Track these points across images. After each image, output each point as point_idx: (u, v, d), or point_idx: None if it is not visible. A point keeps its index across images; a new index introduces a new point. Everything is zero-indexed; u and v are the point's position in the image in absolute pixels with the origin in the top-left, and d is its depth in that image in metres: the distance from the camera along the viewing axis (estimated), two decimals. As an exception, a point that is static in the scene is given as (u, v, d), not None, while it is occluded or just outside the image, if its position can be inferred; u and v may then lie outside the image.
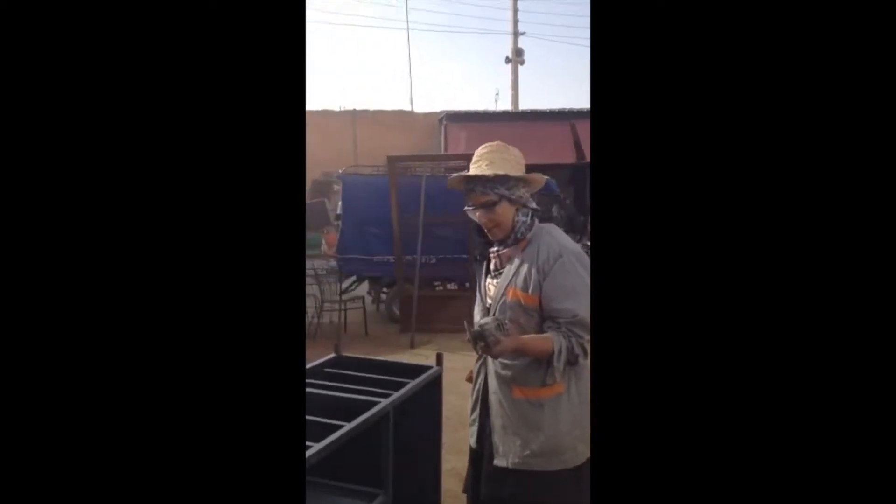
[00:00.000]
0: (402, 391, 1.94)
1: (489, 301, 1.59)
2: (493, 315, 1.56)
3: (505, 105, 14.44)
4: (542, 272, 1.46)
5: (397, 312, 5.99)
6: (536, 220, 1.58)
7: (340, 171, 7.27)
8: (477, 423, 1.69)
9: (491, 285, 1.60)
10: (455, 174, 1.63)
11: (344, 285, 6.20)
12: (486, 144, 1.59)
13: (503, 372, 1.56)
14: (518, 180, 1.55)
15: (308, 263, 6.59)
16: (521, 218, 1.54)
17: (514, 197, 1.53)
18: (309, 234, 9.65)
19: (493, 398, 1.59)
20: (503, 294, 1.54)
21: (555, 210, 6.30)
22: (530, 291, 1.48)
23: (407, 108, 14.66)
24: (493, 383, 1.59)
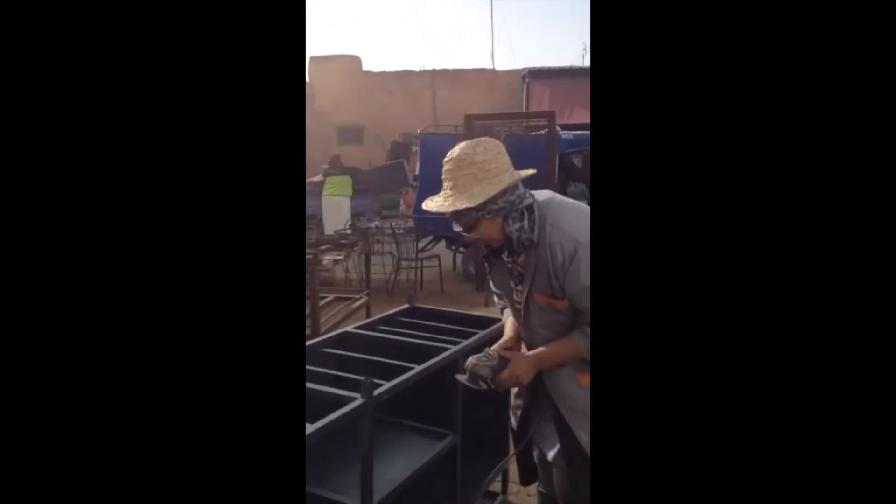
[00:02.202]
0: (471, 339, 1.98)
1: (518, 305, 1.51)
2: (523, 316, 1.50)
3: (591, 61, 13.76)
4: (562, 274, 1.35)
5: (473, 271, 6.06)
6: (536, 215, 1.40)
7: (419, 132, 7.31)
8: (521, 409, 1.66)
9: (516, 291, 1.49)
10: (427, 202, 1.43)
11: (421, 245, 6.33)
12: (449, 157, 1.40)
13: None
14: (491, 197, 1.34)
15: (386, 223, 6.78)
16: (514, 226, 1.37)
17: (492, 213, 1.37)
18: (388, 195, 9.86)
19: (551, 385, 1.52)
20: (531, 298, 1.45)
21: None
22: (556, 295, 1.39)
23: (489, 66, 14.39)
24: (549, 375, 1.52)
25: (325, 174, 7.52)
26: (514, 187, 1.39)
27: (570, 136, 6.25)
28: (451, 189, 1.39)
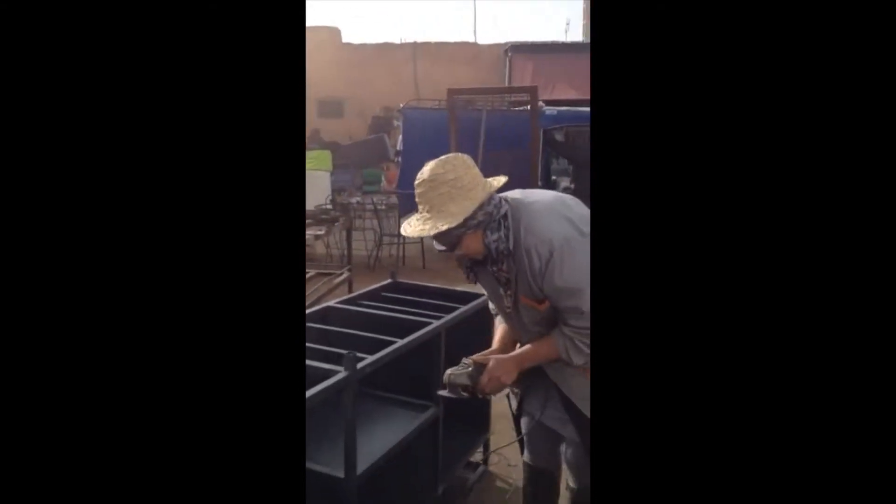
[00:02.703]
0: (454, 314, 2.00)
1: (508, 309, 1.51)
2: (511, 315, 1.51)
3: (576, 36, 13.68)
4: (539, 278, 1.36)
5: (455, 247, 6.06)
6: (510, 222, 1.39)
7: (401, 106, 7.21)
8: (520, 392, 1.66)
9: (505, 297, 1.49)
10: (406, 227, 1.43)
11: (404, 220, 6.29)
12: (420, 179, 1.40)
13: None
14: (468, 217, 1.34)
15: (368, 199, 6.73)
16: (492, 237, 1.38)
17: (473, 227, 1.37)
18: (369, 170, 9.77)
19: (552, 372, 1.52)
20: (519, 302, 1.46)
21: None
22: (538, 297, 1.41)
23: (471, 39, 14.18)
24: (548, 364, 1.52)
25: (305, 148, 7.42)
26: (489, 198, 1.39)
27: (555, 112, 6.23)
28: (427, 211, 1.38)
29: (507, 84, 10.64)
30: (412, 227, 1.40)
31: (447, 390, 1.52)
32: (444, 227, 1.34)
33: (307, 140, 7.60)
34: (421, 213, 1.40)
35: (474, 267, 1.51)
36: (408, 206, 6.27)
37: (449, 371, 1.53)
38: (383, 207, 6.40)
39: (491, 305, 1.66)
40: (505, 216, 1.40)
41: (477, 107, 5.97)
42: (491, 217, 1.38)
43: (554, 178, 6.30)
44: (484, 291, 1.64)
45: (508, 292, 1.45)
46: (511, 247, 1.38)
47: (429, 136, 5.84)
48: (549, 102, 6.63)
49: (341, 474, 1.49)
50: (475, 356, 1.53)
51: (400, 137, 11.13)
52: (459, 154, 1.43)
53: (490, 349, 1.63)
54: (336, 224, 4.64)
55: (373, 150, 9.56)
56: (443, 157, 1.41)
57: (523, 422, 1.72)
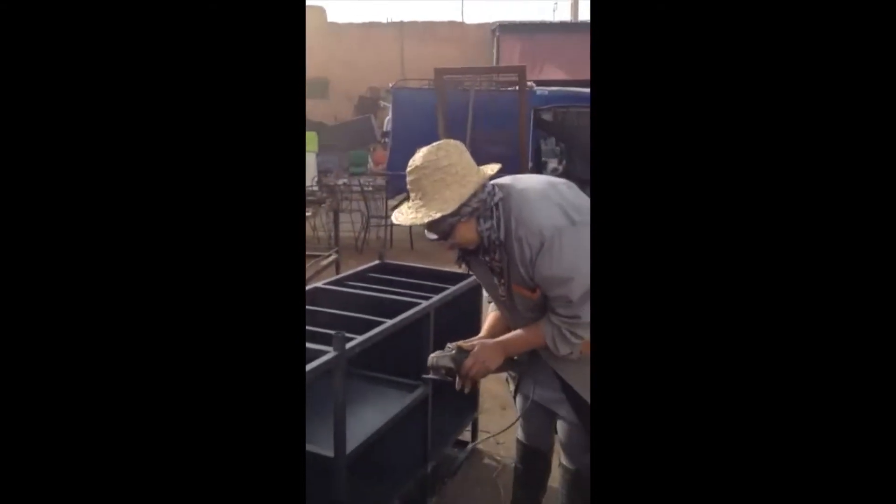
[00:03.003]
0: (442, 294, 2.00)
1: (503, 298, 1.51)
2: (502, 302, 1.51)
3: (564, 16, 13.56)
4: (531, 267, 1.35)
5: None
6: (500, 211, 1.37)
7: (390, 86, 7.12)
8: (518, 374, 1.68)
9: (499, 286, 1.49)
10: (397, 215, 1.40)
11: (394, 202, 6.26)
12: (412, 165, 1.36)
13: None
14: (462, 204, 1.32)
15: (355, 180, 6.68)
16: (485, 225, 1.36)
17: (466, 215, 1.35)
18: (355, 152, 9.68)
19: (546, 354, 1.52)
20: (512, 290, 1.46)
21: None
22: (529, 286, 1.40)
23: (458, 19, 14.01)
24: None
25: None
26: (483, 186, 1.36)
27: (546, 92, 6.18)
28: (420, 199, 1.34)
29: (494, 64, 10.55)
30: (404, 215, 1.37)
31: (431, 373, 1.53)
32: (438, 215, 1.32)
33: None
34: (413, 200, 1.37)
35: (466, 256, 1.50)
36: (397, 188, 6.24)
37: (433, 355, 1.54)
38: (370, 189, 6.36)
39: (485, 293, 1.65)
40: (497, 204, 1.38)
41: (465, 87, 5.91)
42: (484, 205, 1.36)
43: (544, 159, 6.28)
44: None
45: (502, 281, 1.45)
46: (502, 236, 1.37)
47: (418, 117, 5.78)
48: (539, 83, 6.60)
49: (331, 453, 1.50)
50: (460, 342, 1.54)
51: (387, 119, 11.01)
52: (452, 140, 1.40)
53: (479, 335, 1.63)
54: (323, 206, 4.60)
55: (359, 131, 9.48)
56: (436, 143, 1.38)
57: (518, 401, 1.74)
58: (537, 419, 1.68)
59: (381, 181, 6.54)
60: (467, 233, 1.38)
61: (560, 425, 1.61)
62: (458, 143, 1.39)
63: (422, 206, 1.34)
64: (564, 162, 6.25)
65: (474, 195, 1.34)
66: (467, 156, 1.38)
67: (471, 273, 1.58)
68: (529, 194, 1.39)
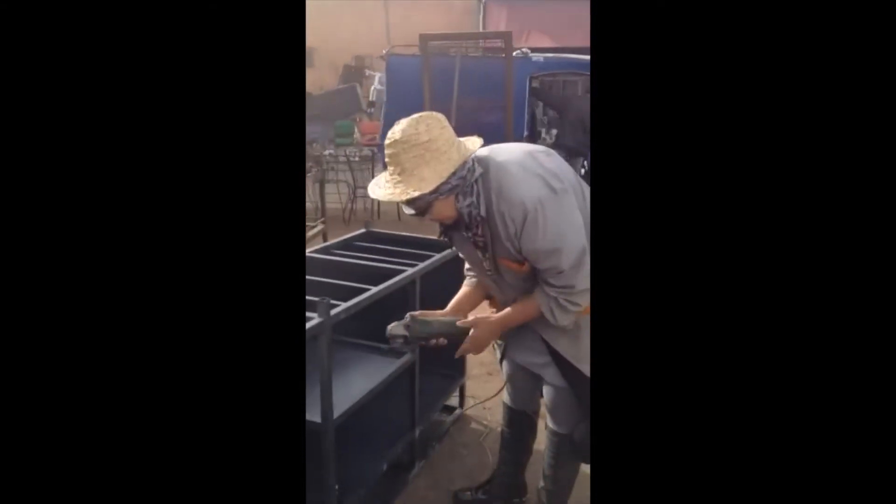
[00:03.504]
0: (428, 262, 2.00)
1: (489, 272, 1.50)
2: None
3: (550, -18, 13.27)
4: (517, 241, 1.34)
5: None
6: (481, 187, 1.35)
7: (384, 52, 6.93)
8: (504, 341, 1.69)
9: (484, 260, 1.48)
10: (374, 188, 1.36)
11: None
12: (391, 138, 1.31)
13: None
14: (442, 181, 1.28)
15: (341, 151, 6.59)
16: (465, 202, 1.34)
17: (443, 193, 1.31)
18: (341, 122, 9.52)
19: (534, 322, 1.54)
20: (499, 263, 1.45)
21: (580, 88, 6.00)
22: (517, 259, 1.39)
23: (444, -15, 13.67)
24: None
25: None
26: (463, 163, 1.32)
27: (541, 59, 6.08)
28: (399, 174, 1.30)
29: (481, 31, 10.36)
30: (381, 188, 1.33)
31: (389, 344, 1.56)
32: (416, 194, 1.28)
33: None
34: (391, 174, 1.33)
35: (448, 230, 1.48)
36: None
37: (390, 325, 1.55)
38: (356, 160, 6.28)
39: (466, 266, 1.65)
40: (477, 180, 1.35)
41: (451, 53, 5.80)
42: (464, 181, 1.33)
43: (539, 129, 6.22)
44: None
45: (486, 255, 1.44)
46: (483, 212, 1.35)
47: (413, 85, 5.65)
48: (534, 50, 6.48)
49: (318, 419, 1.51)
50: (415, 312, 1.55)
51: (372, 88, 10.79)
52: (433, 113, 1.36)
53: (445, 309, 1.62)
54: (308, 175, 4.55)
55: (344, 100, 9.27)
56: (416, 116, 1.33)
57: (504, 366, 1.75)
58: (523, 383, 1.71)
59: (367, 152, 6.45)
60: (446, 209, 1.36)
61: (546, 389, 1.63)
62: (439, 115, 1.35)
63: (399, 182, 1.30)
64: (554, 131, 6.21)
65: (454, 173, 1.30)
66: (449, 130, 1.34)
67: (454, 248, 1.57)
68: (509, 167, 1.36)
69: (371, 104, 10.38)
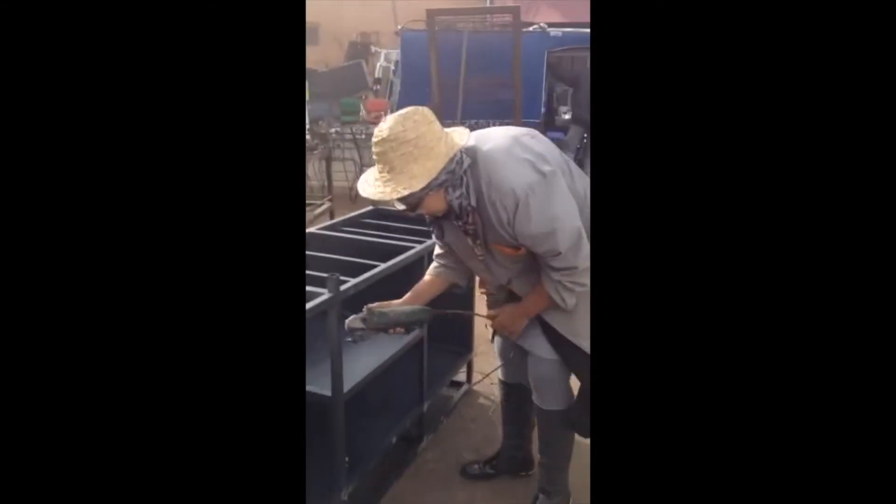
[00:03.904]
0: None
1: (480, 258, 1.50)
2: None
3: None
4: (511, 228, 1.34)
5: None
6: (470, 178, 1.35)
7: (399, 28, 6.83)
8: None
9: (476, 246, 1.48)
10: (364, 186, 1.36)
11: None
12: (378, 136, 1.31)
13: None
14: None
15: (347, 129, 6.56)
16: (454, 193, 1.34)
17: (434, 188, 1.31)
18: (346, 100, 9.44)
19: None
20: (492, 248, 1.45)
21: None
22: (512, 244, 1.40)
23: (450, -42, 13.41)
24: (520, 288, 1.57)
25: (280, 76, 7.10)
26: (452, 158, 1.32)
27: (559, 34, 5.97)
28: (387, 172, 1.30)
29: (489, 3, 10.18)
30: (371, 187, 1.33)
31: (348, 336, 1.57)
32: (406, 192, 1.29)
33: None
34: (381, 172, 1.32)
35: (438, 221, 1.49)
36: None
37: (348, 319, 1.57)
38: (363, 137, 6.25)
39: (437, 251, 1.64)
40: (466, 171, 1.35)
41: (458, 28, 5.70)
42: (454, 175, 1.33)
43: (556, 105, 6.14)
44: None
45: (477, 242, 1.45)
46: (474, 202, 1.36)
47: (428, 60, 5.57)
48: (551, 25, 6.37)
49: (328, 392, 1.53)
50: (372, 305, 1.56)
51: (379, 65, 10.67)
52: (420, 108, 1.35)
53: (401, 300, 1.63)
54: (314, 152, 4.54)
55: (350, 78, 9.17)
56: (402, 113, 1.32)
57: (496, 342, 1.79)
58: (516, 357, 1.73)
59: (372, 129, 6.41)
60: (436, 203, 1.37)
61: (531, 364, 1.63)
62: (426, 111, 1.34)
63: (389, 181, 1.30)
64: (567, 107, 6.13)
65: (443, 168, 1.30)
66: (436, 125, 1.33)
67: (444, 239, 1.56)
68: (496, 155, 1.36)
69: (377, 81, 10.27)
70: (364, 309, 1.54)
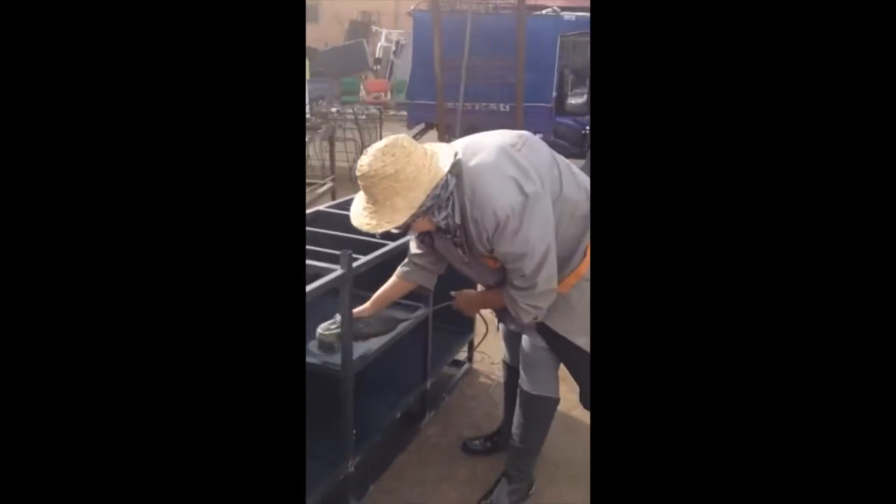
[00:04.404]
0: (443, 219, 2.02)
1: (465, 260, 1.53)
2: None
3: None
4: (490, 244, 1.39)
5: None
6: (455, 198, 1.36)
7: (412, 9, 6.76)
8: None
9: (463, 255, 1.51)
10: (353, 216, 1.38)
11: (413, 133, 6.01)
12: (359, 171, 1.33)
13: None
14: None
15: (348, 108, 6.52)
16: (440, 215, 1.36)
17: (420, 216, 1.34)
18: (347, 79, 9.35)
19: None
20: (474, 257, 1.48)
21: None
22: (492, 258, 1.44)
23: (453, -63, 13.21)
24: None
25: (280, 54, 7.03)
26: (436, 185, 1.32)
27: (573, 18, 5.93)
28: (373, 204, 1.33)
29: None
30: (359, 217, 1.36)
31: (317, 346, 1.62)
32: (390, 226, 1.31)
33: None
34: (367, 203, 1.35)
35: (427, 234, 1.52)
36: (416, 117, 6.04)
37: (321, 328, 1.62)
38: (363, 118, 6.22)
39: (415, 250, 1.66)
40: (451, 192, 1.35)
41: (461, 9, 5.65)
42: (439, 199, 1.34)
43: (566, 91, 6.10)
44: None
45: (464, 251, 1.48)
46: (458, 220, 1.38)
47: (450, 41, 5.52)
48: (564, 8, 6.31)
49: (338, 365, 1.57)
50: (355, 310, 1.60)
51: (379, 45, 10.55)
52: (398, 138, 1.35)
53: (366, 304, 1.68)
54: (318, 132, 4.53)
55: (350, 57, 9.10)
56: (380, 146, 1.33)
57: (500, 328, 1.87)
58: (517, 343, 1.78)
59: (374, 110, 6.39)
60: (424, 225, 1.41)
61: (524, 347, 1.68)
62: (404, 141, 1.34)
63: (374, 213, 1.33)
64: (578, 90, 6.10)
65: (426, 198, 1.31)
66: (417, 154, 1.32)
67: (434, 246, 1.59)
68: (482, 172, 1.36)
69: (377, 61, 10.18)
70: (336, 317, 1.58)
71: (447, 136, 5.34)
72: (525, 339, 1.68)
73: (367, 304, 1.67)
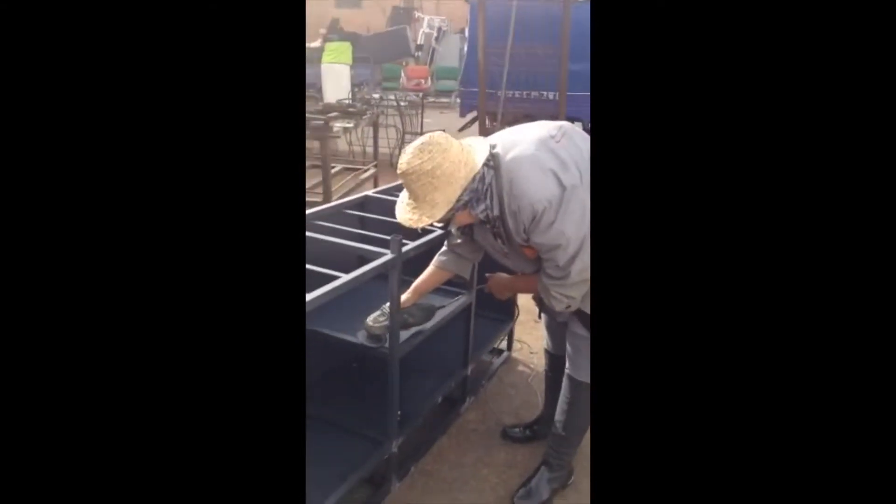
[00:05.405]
0: (489, 207, 2.03)
1: (505, 251, 1.55)
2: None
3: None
4: (527, 234, 1.41)
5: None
6: (493, 190, 1.39)
7: None
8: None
9: (502, 245, 1.52)
10: (398, 210, 1.44)
11: (465, 121, 5.98)
12: (399, 167, 1.38)
13: None
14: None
15: (390, 95, 6.56)
16: (479, 208, 1.39)
17: (458, 210, 1.38)
18: (388, 65, 9.38)
19: None
20: (514, 246, 1.50)
21: None
22: (529, 247, 1.46)
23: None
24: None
25: (325, 40, 7.13)
26: (473, 178, 1.36)
27: None
28: (414, 200, 1.39)
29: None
30: (402, 213, 1.42)
31: (366, 337, 1.66)
32: (429, 221, 1.37)
33: (328, 31, 7.25)
34: (409, 199, 1.41)
35: (468, 226, 1.54)
36: (469, 105, 6.04)
37: (370, 319, 1.65)
38: (405, 104, 6.25)
39: (454, 240, 1.68)
40: (489, 185, 1.38)
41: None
42: (477, 192, 1.37)
43: None
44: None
45: (503, 242, 1.50)
46: (497, 212, 1.41)
47: (499, 28, 5.51)
48: None
49: (386, 347, 1.61)
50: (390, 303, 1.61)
51: (421, 31, 10.53)
52: (435, 135, 1.38)
53: (412, 288, 1.71)
54: (364, 118, 4.58)
55: (393, 43, 9.12)
56: (418, 144, 1.37)
57: (544, 317, 1.87)
58: (559, 331, 1.80)
59: (413, 97, 6.41)
60: (465, 218, 1.44)
61: (569, 337, 1.69)
62: (441, 138, 1.37)
63: (415, 209, 1.39)
64: None
65: (463, 191, 1.35)
66: (454, 150, 1.36)
67: (473, 237, 1.62)
68: (520, 165, 1.37)
69: (419, 48, 10.18)
70: (386, 312, 1.62)
71: (493, 123, 5.32)
72: (570, 329, 1.68)
73: (407, 294, 1.71)
